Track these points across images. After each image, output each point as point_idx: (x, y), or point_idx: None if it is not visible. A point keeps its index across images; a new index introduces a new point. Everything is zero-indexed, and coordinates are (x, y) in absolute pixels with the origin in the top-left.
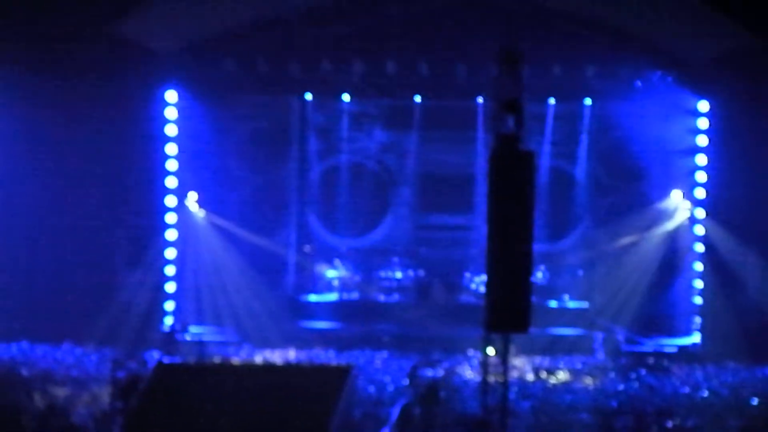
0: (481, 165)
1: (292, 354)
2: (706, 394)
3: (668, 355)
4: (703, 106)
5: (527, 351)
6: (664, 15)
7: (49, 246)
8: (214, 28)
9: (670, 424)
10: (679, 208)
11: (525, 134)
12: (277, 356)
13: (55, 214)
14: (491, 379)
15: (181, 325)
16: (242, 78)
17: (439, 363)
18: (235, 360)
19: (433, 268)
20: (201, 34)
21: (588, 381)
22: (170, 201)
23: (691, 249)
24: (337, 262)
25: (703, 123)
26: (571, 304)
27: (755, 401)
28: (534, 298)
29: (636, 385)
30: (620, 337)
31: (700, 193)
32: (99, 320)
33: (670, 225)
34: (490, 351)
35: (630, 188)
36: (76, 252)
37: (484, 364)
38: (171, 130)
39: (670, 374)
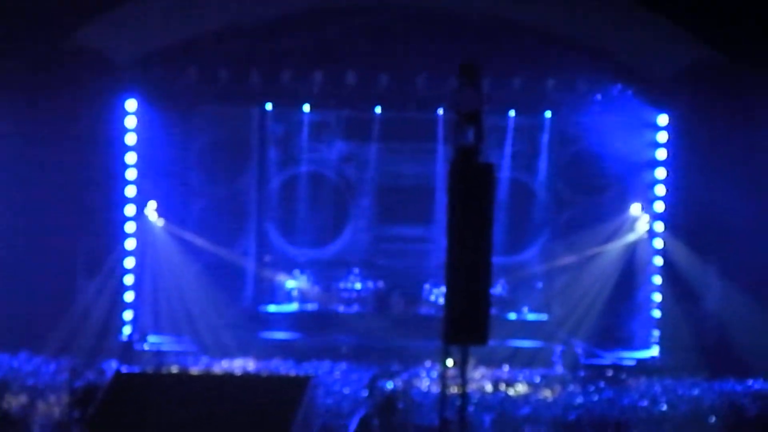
0: (440, 177)
1: (251, 364)
2: (664, 407)
3: (627, 368)
4: (663, 119)
5: (486, 363)
6: (624, 29)
7: (6, 254)
8: (174, 37)
9: None
10: (639, 221)
11: (485, 146)
12: (235, 366)
13: (12, 222)
14: (450, 390)
15: (139, 334)
16: (202, 88)
17: (398, 374)
18: (194, 370)
19: (393, 280)
20: (161, 44)
21: (547, 393)
22: (129, 210)
23: (649, 262)
24: (296, 272)
25: (662, 137)
26: (530, 317)
27: (713, 419)
28: (493, 311)
29: (595, 397)
30: (579, 349)
31: (659, 207)
32: (57, 329)
33: (629, 238)
34: (449, 363)
35: (589, 201)
36: (33, 260)
37: (443, 376)
38: (130, 139)
39: (628, 387)
